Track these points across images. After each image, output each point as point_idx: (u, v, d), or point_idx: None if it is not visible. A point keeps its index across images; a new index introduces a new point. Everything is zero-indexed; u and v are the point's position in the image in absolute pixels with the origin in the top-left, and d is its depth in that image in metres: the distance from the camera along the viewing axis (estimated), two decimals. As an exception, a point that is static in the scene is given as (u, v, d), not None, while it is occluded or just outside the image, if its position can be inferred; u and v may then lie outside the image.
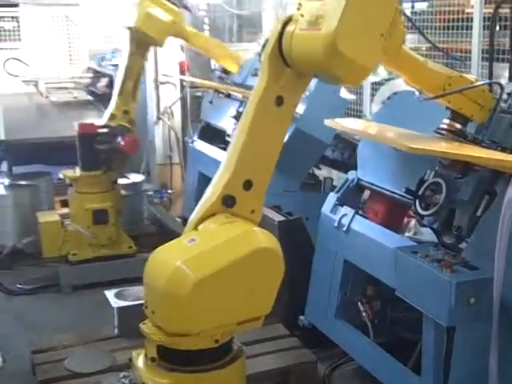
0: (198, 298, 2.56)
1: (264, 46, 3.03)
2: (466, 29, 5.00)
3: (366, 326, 3.80)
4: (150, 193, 6.43)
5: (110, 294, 4.33)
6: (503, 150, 3.08)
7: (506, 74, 3.80)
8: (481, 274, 2.78)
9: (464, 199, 3.17)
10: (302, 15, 2.73)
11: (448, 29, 5.21)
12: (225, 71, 5.64)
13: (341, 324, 3.92)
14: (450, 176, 3.26)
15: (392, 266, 3.36)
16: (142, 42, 5.20)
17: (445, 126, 3.22)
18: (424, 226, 3.69)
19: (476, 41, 4.89)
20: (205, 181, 6.12)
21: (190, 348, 2.68)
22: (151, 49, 5.47)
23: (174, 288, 2.56)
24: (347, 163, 5.25)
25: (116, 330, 4.28)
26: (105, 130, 5.27)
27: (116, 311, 4.23)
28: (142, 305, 4.10)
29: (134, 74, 5.25)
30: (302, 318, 4.21)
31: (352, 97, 5.56)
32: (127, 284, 4.74)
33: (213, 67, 7.15)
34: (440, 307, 2.79)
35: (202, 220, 2.84)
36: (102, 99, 6.94)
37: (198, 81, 5.95)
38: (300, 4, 2.82)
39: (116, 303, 4.21)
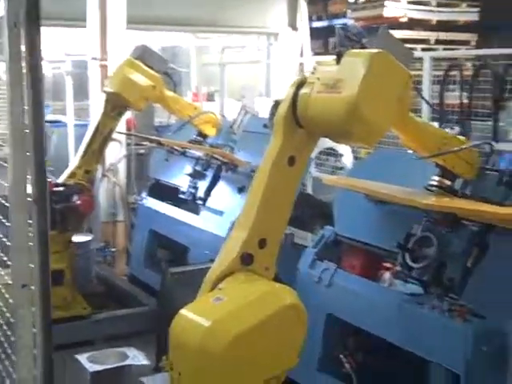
0: (232, 356, 2.56)
1: (273, 108, 3.13)
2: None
3: (349, 377, 3.88)
4: (92, 251, 6.28)
5: (82, 358, 4.18)
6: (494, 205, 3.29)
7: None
8: (491, 323, 2.93)
9: (456, 252, 3.35)
10: (319, 78, 2.85)
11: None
12: (201, 134, 5.69)
13: (324, 377, 3.97)
14: (440, 230, 3.45)
15: (385, 318, 3.50)
16: (118, 105, 5.22)
17: (435, 183, 3.41)
18: (405, 279, 3.87)
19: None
20: (156, 238, 6.11)
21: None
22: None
23: (208, 347, 2.55)
24: (306, 221, 5.36)
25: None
26: (61, 189, 5.16)
27: (90, 376, 4.09)
28: (118, 368, 4.10)
29: (104, 134, 5.22)
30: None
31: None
32: (79, 347, 4.60)
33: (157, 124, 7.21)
34: (454, 356, 2.91)
35: (221, 278, 2.85)
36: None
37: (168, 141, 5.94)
38: (315, 68, 2.96)
39: (91, 367, 4.07)
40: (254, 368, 2.66)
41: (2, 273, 3.46)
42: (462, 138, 3.41)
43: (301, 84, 2.91)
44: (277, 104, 3.07)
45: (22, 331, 1.84)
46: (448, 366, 2.98)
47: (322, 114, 2.81)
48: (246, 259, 2.86)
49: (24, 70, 1.68)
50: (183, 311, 2.73)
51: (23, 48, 1.68)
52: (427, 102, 3.54)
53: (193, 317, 2.68)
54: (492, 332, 2.89)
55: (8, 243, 3.12)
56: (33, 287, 1.77)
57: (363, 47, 3.05)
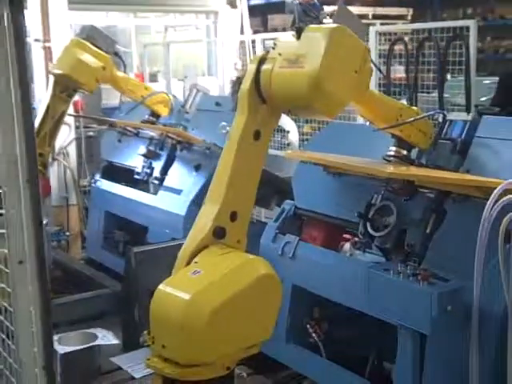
0: (214, 326, 2.62)
1: (234, 85, 3.19)
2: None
3: (316, 346, 4.01)
4: (46, 236, 6.24)
5: (49, 340, 4.18)
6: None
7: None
8: (453, 285, 3.08)
9: (415, 219, 3.49)
10: (280, 54, 2.92)
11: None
12: (154, 115, 5.68)
13: (292, 347, 4.09)
14: (399, 199, 3.58)
15: (350, 286, 3.63)
16: (68, 87, 5.16)
17: (392, 153, 3.54)
18: (366, 248, 4.02)
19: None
20: (112, 220, 6.11)
21: (203, 378, 2.73)
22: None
23: (189, 319, 2.60)
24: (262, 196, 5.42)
25: (59, 378, 4.14)
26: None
27: (60, 357, 4.10)
28: (88, 349, 4.12)
29: (54, 117, 5.16)
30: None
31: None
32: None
33: (103, 106, 7.15)
34: (420, 318, 3.05)
35: (195, 252, 2.90)
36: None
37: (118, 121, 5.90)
38: (275, 44, 3.02)
39: (62, 349, 4.08)
40: (234, 338, 2.74)
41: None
42: (415, 108, 3.54)
43: (262, 60, 2.97)
44: (238, 81, 3.13)
45: (21, 310, 1.87)
46: (415, 328, 3.11)
47: (285, 88, 2.88)
48: (218, 233, 2.93)
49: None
50: (162, 286, 2.78)
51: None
52: (383, 74, 3.66)
53: (172, 291, 2.73)
54: (455, 292, 3.04)
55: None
56: (28, 266, 1.81)
57: (321, 23, 3.14)
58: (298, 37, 2.94)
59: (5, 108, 1.74)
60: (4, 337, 2.07)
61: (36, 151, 1.80)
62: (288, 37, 3.05)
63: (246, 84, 2.97)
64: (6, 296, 1.94)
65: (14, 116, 1.73)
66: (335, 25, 2.93)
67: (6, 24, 1.70)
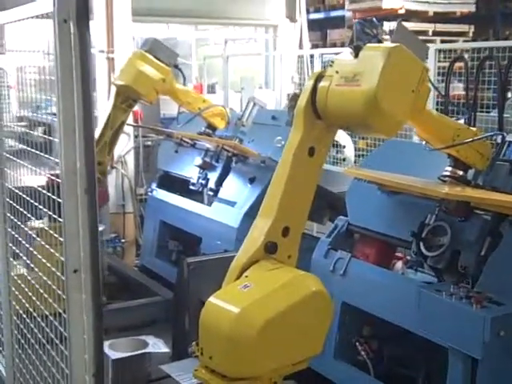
0: (261, 341, 2.64)
1: (291, 101, 3.22)
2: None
3: (364, 364, 3.98)
4: (102, 242, 6.37)
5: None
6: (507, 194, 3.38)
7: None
8: (507, 309, 3.02)
9: (470, 240, 3.44)
10: (337, 72, 2.93)
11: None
12: (210, 127, 5.76)
13: (340, 364, 4.07)
14: (453, 219, 3.54)
15: (401, 305, 3.59)
16: (129, 98, 5.28)
17: (448, 173, 3.50)
18: (418, 267, 3.97)
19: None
20: (166, 229, 6.19)
21: (249, 392, 2.75)
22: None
23: (238, 333, 2.63)
24: (315, 211, 5.42)
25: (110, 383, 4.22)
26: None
27: (111, 363, 4.18)
28: (139, 356, 4.19)
29: (114, 127, 5.28)
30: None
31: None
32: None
33: (161, 116, 7.27)
34: (472, 341, 3.00)
35: (246, 266, 2.93)
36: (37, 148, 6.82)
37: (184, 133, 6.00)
38: (333, 61, 3.03)
39: (113, 355, 4.15)
40: (282, 353, 2.75)
41: (15, 263, 3.54)
42: (473, 129, 3.50)
43: (319, 77, 2.99)
44: (295, 96, 3.16)
45: (74, 315, 1.92)
46: (466, 352, 3.06)
47: (341, 106, 2.89)
48: (270, 248, 2.95)
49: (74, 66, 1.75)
50: (212, 299, 2.81)
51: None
52: (440, 94, 3.64)
53: (222, 304, 2.76)
54: (509, 317, 2.98)
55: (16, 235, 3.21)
56: (83, 275, 1.86)
57: (379, 41, 3.14)
58: (356, 55, 2.95)
59: (67, 119, 1.79)
60: (57, 342, 2.13)
61: (95, 162, 1.85)
62: (346, 55, 3.07)
63: (303, 100, 2.99)
64: (61, 301, 2.00)
65: (76, 127, 1.78)
66: (393, 44, 2.94)
67: (72, 38, 1.75)
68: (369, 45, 2.99)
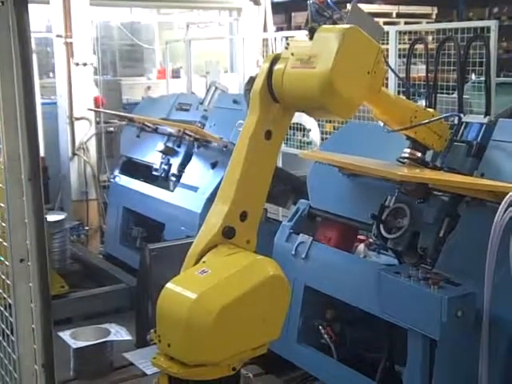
0: (219, 326, 2.63)
1: (248, 84, 3.18)
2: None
3: (328, 348, 3.99)
4: (65, 230, 6.28)
5: (64, 335, 4.22)
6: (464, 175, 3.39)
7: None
8: (465, 290, 3.04)
9: (428, 222, 3.45)
10: (293, 54, 2.91)
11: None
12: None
13: (303, 348, 4.07)
14: (412, 201, 3.54)
15: (362, 288, 3.61)
16: None
17: (406, 155, 3.50)
18: (380, 249, 3.99)
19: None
20: (130, 215, 6.14)
21: (209, 378, 2.73)
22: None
23: (196, 318, 2.61)
24: (278, 195, 5.41)
25: (72, 372, 4.17)
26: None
27: (73, 352, 4.13)
28: (101, 344, 4.14)
29: None
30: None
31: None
32: (58, 326, 4.62)
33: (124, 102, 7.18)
34: (430, 322, 3.01)
35: (204, 251, 2.91)
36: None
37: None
38: (288, 44, 3.01)
39: (75, 344, 4.10)
40: (240, 339, 2.74)
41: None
42: (431, 110, 3.50)
43: (275, 59, 2.96)
44: (251, 80, 3.13)
45: (22, 306, 1.88)
46: (425, 333, 3.08)
47: (297, 88, 2.87)
48: (227, 232, 2.93)
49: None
50: (169, 285, 2.79)
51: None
52: (397, 76, 3.63)
53: (180, 290, 2.74)
54: (466, 298, 3.00)
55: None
56: (29, 263, 1.82)
57: (335, 23, 3.12)
58: (311, 37, 2.93)
59: (8, 106, 1.74)
60: (8, 332, 2.09)
61: (38, 149, 1.81)
62: (302, 37, 3.04)
63: (259, 83, 2.97)
64: (7, 289, 1.96)
65: (17, 114, 1.73)
66: (348, 25, 2.91)
67: (10, 21, 1.70)
68: (323, 26, 2.96)
